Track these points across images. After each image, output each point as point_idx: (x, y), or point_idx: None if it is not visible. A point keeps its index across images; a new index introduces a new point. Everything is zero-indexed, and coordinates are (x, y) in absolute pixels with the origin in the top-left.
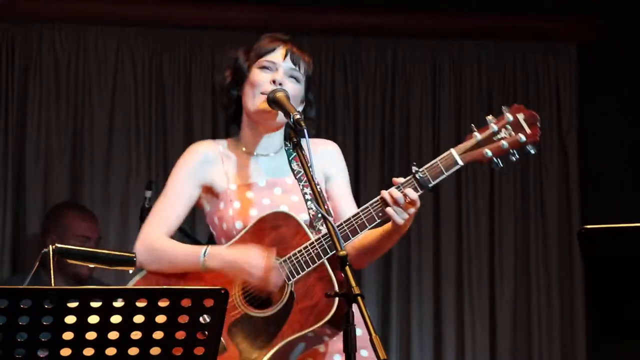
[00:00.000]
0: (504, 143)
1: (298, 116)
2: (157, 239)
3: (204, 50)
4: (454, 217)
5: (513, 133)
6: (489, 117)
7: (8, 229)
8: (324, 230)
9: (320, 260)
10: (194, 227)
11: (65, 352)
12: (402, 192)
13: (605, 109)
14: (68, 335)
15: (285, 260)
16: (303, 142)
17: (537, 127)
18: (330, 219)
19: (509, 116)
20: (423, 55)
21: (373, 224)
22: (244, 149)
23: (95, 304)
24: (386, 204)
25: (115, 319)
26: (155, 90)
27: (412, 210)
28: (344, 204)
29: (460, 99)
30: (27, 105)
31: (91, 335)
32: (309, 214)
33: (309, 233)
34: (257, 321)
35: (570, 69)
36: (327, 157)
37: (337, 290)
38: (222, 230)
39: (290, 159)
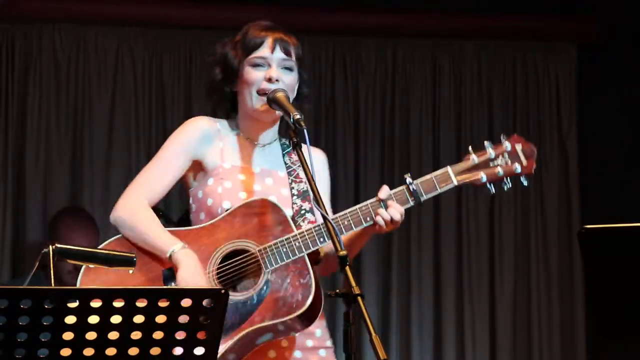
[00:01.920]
0: (500, 171)
1: (298, 116)
2: (139, 206)
3: (204, 50)
4: (454, 217)
5: (509, 162)
6: (487, 143)
7: (8, 229)
8: (305, 226)
9: (302, 254)
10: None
11: (65, 352)
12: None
13: (605, 109)
14: (68, 336)
15: (265, 248)
16: (303, 142)
17: (534, 160)
18: (330, 217)
19: (507, 145)
20: (423, 55)
21: (359, 227)
22: (241, 134)
23: (95, 304)
24: (376, 214)
25: (115, 319)
26: (155, 90)
27: (399, 221)
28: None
29: (460, 99)
30: (27, 105)
31: (91, 336)
32: (293, 208)
33: (293, 226)
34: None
35: (570, 69)
36: (314, 161)
37: (314, 286)
38: (206, 206)
39: (284, 152)
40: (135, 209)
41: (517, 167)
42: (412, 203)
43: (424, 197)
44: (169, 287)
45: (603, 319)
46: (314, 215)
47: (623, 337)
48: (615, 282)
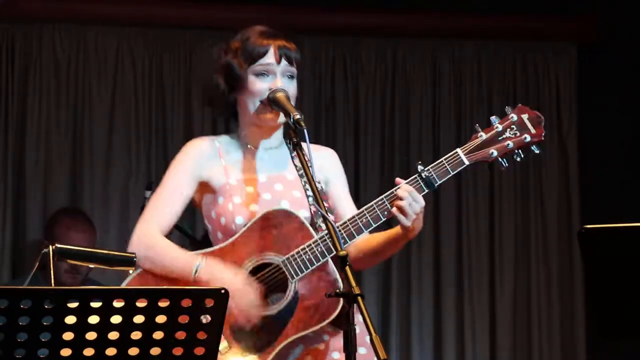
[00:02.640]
0: (510, 143)
1: (298, 116)
2: (153, 237)
3: (207, 51)
4: (454, 217)
5: (518, 133)
6: (493, 118)
7: (8, 229)
8: (324, 227)
9: (325, 259)
10: (194, 226)
11: (66, 352)
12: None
13: (605, 109)
14: (68, 336)
15: (288, 259)
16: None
17: (542, 127)
18: (330, 217)
19: (514, 116)
20: (423, 55)
21: (378, 223)
22: (244, 144)
23: (95, 304)
24: (399, 199)
25: (116, 319)
26: (155, 90)
27: (418, 209)
28: (345, 205)
29: (460, 99)
30: (27, 105)
31: (91, 336)
32: (310, 210)
33: (312, 231)
34: (260, 320)
35: (570, 69)
36: (327, 161)
37: (342, 288)
38: (220, 225)
39: (292, 155)
40: (149, 241)
41: (527, 137)
42: (426, 190)
43: (438, 183)
44: (169, 287)
45: (603, 319)
46: (332, 214)
47: (623, 337)
48: (615, 282)
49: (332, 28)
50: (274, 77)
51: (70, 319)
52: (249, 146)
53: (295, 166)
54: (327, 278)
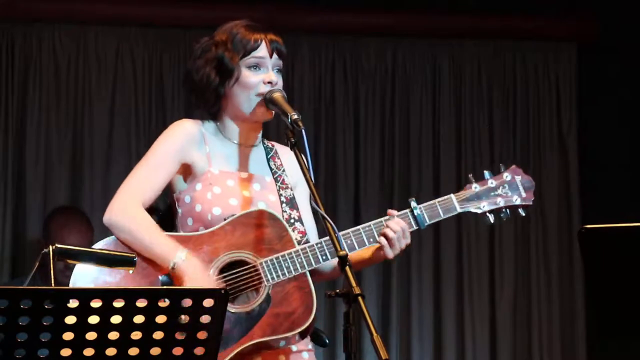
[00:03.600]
0: (500, 201)
1: (296, 116)
2: (136, 209)
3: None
4: (454, 217)
5: (509, 193)
6: (487, 173)
7: (8, 229)
8: (294, 236)
9: (304, 270)
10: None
11: (66, 352)
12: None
13: (605, 109)
14: (68, 336)
15: (267, 262)
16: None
17: (532, 192)
18: (329, 219)
19: (508, 176)
20: (423, 55)
21: (361, 247)
22: (227, 137)
23: (95, 304)
24: (380, 234)
25: (116, 319)
26: (155, 90)
27: (404, 245)
28: (305, 215)
29: (460, 99)
30: (27, 105)
31: (91, 336)
32: (283, 216)
33: (294, 240)
34: (228, 316)
35: (570, 69)
36: (294, 165)
37: (315, 304)
38: (194, 212)
39: (268, 157)
40: (132, 212)
41: (517, 199)
42: (414, 227)
43: (427, 223)
44: (169, 287)
45: (603, 319)
46: (302, 225)
47: (623, 337)
48: (615, 282)
49: (332, 28)
50: (266, 70)
51: (70, 319)
52: (234, 140)
53: (271, 169)
54: (302, 290)
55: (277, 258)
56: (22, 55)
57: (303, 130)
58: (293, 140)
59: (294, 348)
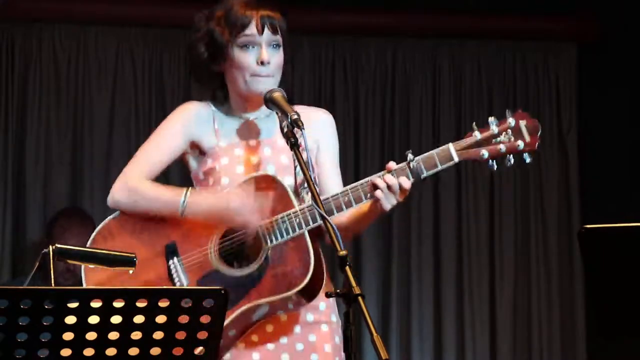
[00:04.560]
0: (502, 147)
1: (295, 116)
2: (138, 181)
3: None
4: (454, 217)
5: (512, 138)
6: (491, 119)
7: (8, 229)
8: (307, 198)
9: (301, 230)
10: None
11: (66, 352)
12: (397, 180)
13: (605, 108)
14: (68, 336)
15: (265, 225)
16: (302, 137)
17: (537, 136)
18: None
19: (512, 121)
20: (423, 55)
21: (359, 203)
22: (235, 111)
23: (95, 304)
24: (376, 187)
25: (116, 319)
26: (155, 90)
27: (401, 198)
28: (329, 177)
29: (460, 99)
30: (27, 105)
31: (91, 336)
32: (295, 180)
33: (294, 201)
34: (228, 279)
35: (570, 69)
36: (319, 125)
37: (313, 263)
38: (208, 186)
39: (282, 125)
40: (132, 184)
41: (520, 144)
42: (412, 179)
43: (425, 174)
44: (169, 287)
45: (603, 319)
46: (317, 185)
47: (623, 337)
48: (615, 282)
49: (332, 28)
50: (259, 48)
51: (70, 319)
52: (241, 114)
53: (285, 135)
54: (301, 249)
55: (275, 220)
56: (22, 55)
57: (303, 130)
58: (293, 140)
59: (309, 318)
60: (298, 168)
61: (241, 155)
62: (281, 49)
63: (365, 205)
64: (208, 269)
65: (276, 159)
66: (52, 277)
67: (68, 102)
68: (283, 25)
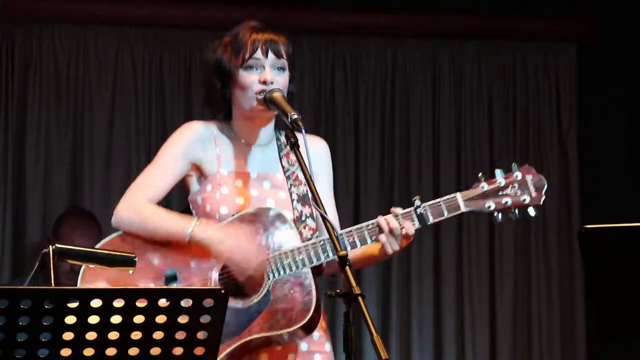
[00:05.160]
0: (508, 200)
1: (295, 116)
2: (143, 203)
3: (204, 50)
4: (455, 217)
5: (518, 192)
6: (498, 171)
7: (8, 229)
8: (305, 233)
9: (305, 267)
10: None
11: (66, 352)
12: (399, 224)
13: (605, 108)
14: (68, 336)
15: (269, 259)
16: (301, 140)
17: (542, 193)
18: (330, 218)
19: (518, 175)
20: (423, 55)
21: (363, 245)
22: (237, 137)
23: (95, 304)
24: (381, 231)
25: (116, 319)
26: (155, 90)
27: (404, 244)
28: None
29: (460, 99)
30: (27, 105)
31: (91, 336)
32: (294, 214)
33: (297, 237)
34: (228, 311)
35: (570, 69)
36: (313, 155)
37: (315, 301)
38: (205, 212)
39: (281, 154)
40: (138, 206)
41: (526, 199)
42: (418, 226)
43: (431, 222)
44: (169, 287)
45: (603, 319)
46: (314, 220)
47: (623, 338)
48: (615, 282)
49: (332, 28)
50: (262, 70)
51: (70, 319)
52: (242, 140)
53: (283, 167)
54: (302, 286)
55: (279, 255)
56: (22, 55)
57: (303, 130)
58: (293, 140)
59: (303, 347)
60: (296, 202)
61: (240, 186)
62: (286, 72)
63: (370, 248)
64: None
65: (275, 193)
66: (52, 277)
67: (68, 102)
68: (288, 50)
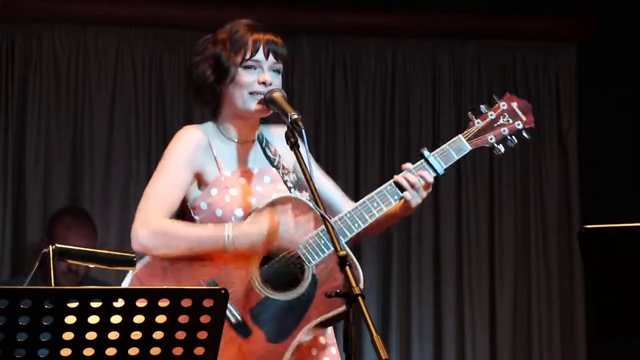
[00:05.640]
0: (505, 129)
1: (296, 116)
2: (163, 222)
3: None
4: (454, 216)
5: (510, 120)
6: (483, 106)
7: (8, 229)
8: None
9: (340, 243)
10: None
11: (65, 352)
12: (417, 175)
13: (605, 108)
14: (68, 336)
15: (303, 244)
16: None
17: (531, 114)
18: (329, 218)
19: (504, 104)
20: (423, 55)
21: (388, 207)
22: (227, 137)
23: (95, 304)
24: (402, 188)
25: (115, 319)
26: (155, 90)
27: (425, 193)
28: (329, 192)
29: (460, 99)
30: (27, 105)
31: (91, 336)
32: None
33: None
34: (281, 305)
35: (570, 69)
36: (283, 142)
37: (361, 273)
38: (215, 217)
39: (263, 147)
40: (158, 226)
41: (519, 123)
42: (433, 174)
43: (444, 167)
44: (169, 287)
45: (603, 319)
46: (316, 204)
47: (623, 337)
48: (615, 282)
49: (332, 28)
50: (261, 70)
51: (70, 319)
52: (234, 139)
53: (270, 158)
54: None
55: (312, 238)
56: (22, 55)
57: (303, 130)
58: (293, 140)
59: (322, 340)
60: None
61: (245, 184)
62: (280, 74)
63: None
64: (257, 298)
65: (276, 186)
66: (52, 277)
67: (68, 102)
68: (284, 53)
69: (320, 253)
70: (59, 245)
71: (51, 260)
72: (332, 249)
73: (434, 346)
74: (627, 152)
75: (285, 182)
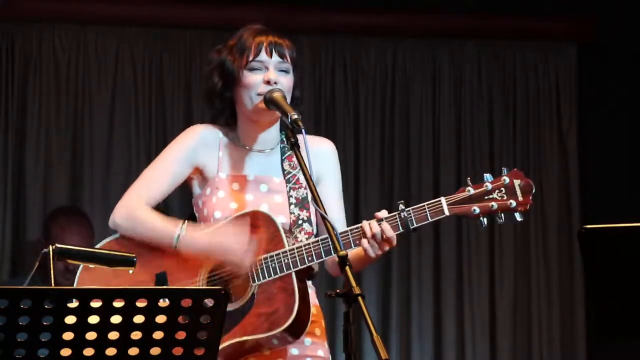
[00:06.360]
0: (494, 204)
1: (295, 116)
2: (138, 208)
3: (204, 50)
4: (454, 217)
5: (505, 197)
6: (487, 176)
7: (8, 229)
8: (300, 237)
9: (289, 271)
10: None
11: (65, 352)
12: (381, 228)
13: (605, 109)
14: (68, 336)
15: (256, 262)
16: (301, 140)
17: (530, 197)
18: (330, 218)
19: (506, 179)
20: (423, 55)
21: (348, 249)
22: (240, 142)
23: (95, 304)
24: (364, 235)
25: (115, 319)
26: (155, 90)
27: (386, 248)
28: (332, 209)
29: (460, 99)
30: (27, 105)
31: (91, 336)
32: (290, 218)
33: (285, 241)
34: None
35: (570, 69)
36: (320, 157)
37: (297, 305)
38: (203, 215)
39: (283, 157)
40: (133, 209)
41: (512, 203)
42: (402, 230)
43: (414, 226)
44: (169, 287)
45: (603, 319)
46: (311, 225)
47: (623, 338)
48: (615, 282)
49: (332, 28)
50: (266, 71)
51: (70, 319)
52: (245, 145)
53: (283, 170)
54: (286, 290)
55: (265, 259)
56: (22, 55)
57: (303, 130)
58: (293, 140)
59: (294, 351)
60: (293, 207)
61: (237, 190)
62: (290, 74)
63: (357, 251)
64: None
65: (271, 197)
66: (52, 277)
67: (68, 102)
68: (292, 53)
69: (267, 275)
70: (59, 245)
71: (51, 260)
72: (279, 274)
73: (434, 346)
74: (627, 152)
75: (289, 196)
